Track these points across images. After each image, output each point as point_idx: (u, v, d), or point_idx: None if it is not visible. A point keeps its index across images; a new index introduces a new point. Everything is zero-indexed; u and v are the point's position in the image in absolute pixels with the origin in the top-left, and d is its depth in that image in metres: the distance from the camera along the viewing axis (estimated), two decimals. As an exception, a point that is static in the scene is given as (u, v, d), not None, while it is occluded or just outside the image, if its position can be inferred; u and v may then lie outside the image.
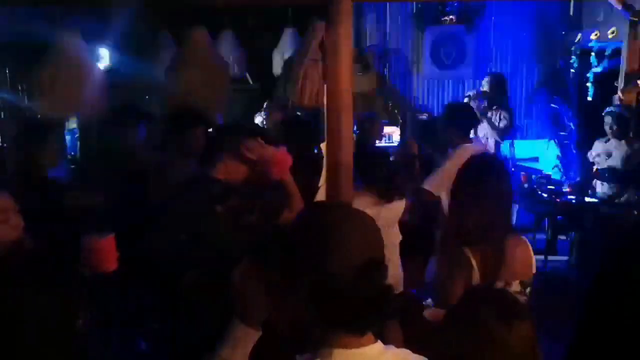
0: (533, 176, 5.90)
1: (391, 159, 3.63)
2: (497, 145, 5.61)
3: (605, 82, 5.96)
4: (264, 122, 5.40)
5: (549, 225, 5.74)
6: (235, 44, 5.61)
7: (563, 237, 5.77)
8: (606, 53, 6.01)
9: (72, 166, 5.30)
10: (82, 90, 3.60)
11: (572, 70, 6.66)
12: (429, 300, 2.18)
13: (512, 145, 6.23)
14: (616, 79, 5.60)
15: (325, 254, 1.08)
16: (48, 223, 2.60)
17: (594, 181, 5.07)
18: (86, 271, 1.92)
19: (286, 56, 4.39)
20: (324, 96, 2.39)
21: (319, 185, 3.30)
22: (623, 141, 4.84)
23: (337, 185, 2.36)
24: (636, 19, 5.27)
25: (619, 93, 5.37)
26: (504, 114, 5.48)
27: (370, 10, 6.89)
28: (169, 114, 3.64)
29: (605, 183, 4.93)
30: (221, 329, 1.27)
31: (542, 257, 5.36)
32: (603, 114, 4.98)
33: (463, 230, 2.03)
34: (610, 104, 5.32)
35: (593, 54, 6.17)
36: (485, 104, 5.46)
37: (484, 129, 5.49)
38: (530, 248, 2.14)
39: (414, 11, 6.94)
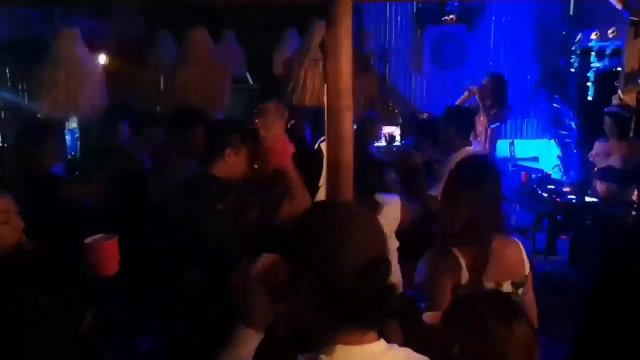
0: (533, 176, 5.89)
1: (391, 168, 3.63)
2: (494, 139, 5.57)
3: (606, 82, 5.96)
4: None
5: (549, 225, 5.74)
6: (235, 44, 5.61)
7: (563, 237, 5.77)
8: (606, 52, 6.01)
9: (72, 166, 5.31)
10: (81, 90, 3.61)
11: (572, 70, 6.66)
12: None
13: (512, 144, 6.23)
14: (616, 78, 5.60)
15: (330, 252, 1.09)
16: (49, 223, 2.61)
17: (594, 181, 5.06)
18: (88, 272, 1.92)
19: (286, 56, 4.39)
20: (324, 96, 2.39)
21: (319, 185, 3.30)
22: (623, 141, 4.84)
23: (337, 185, 2.36)
24: (636, 19, 5.27)
25: (619, 93, 5.37)
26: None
27: (370, 10, 6.89)
28: (169, 113, 3.65)
29: (605, 183, 4.93)
30: (221, 328, 1.27)
31: (542, 257, 5.36)
32: (603, 113, 4.98)
33: (452, 230, 2.04)
34: (610, 103, 5.31)
35: (593, 53, 6.17)
36: (489, 102, 5.46)
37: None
38: (522, 248, 2.13)
39: (414, 11, 6.94)
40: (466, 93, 5.62)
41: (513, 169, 6.13)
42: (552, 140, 6.91)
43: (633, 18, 5.27)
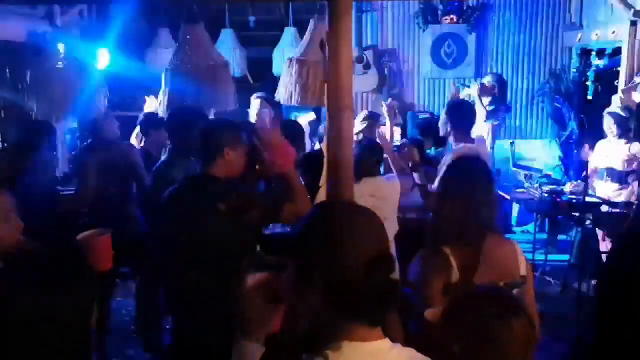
0: (533, 176, 5.89)
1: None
2: (493, 138, 5.57)
3: (606, 82, 5.96)
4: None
5: (549, 225, 5.74)
6: (235, 44, 5.62)
7: (563, 237, 5.77)
8: (606, 52, 6.01)
9: (71, 165, 5.32)
10: (79, 91, 3.60)
11: (572, 70, 6.66)
12: None
13: (512, 144, 6.24)
14: (617, 78, 5.60)
15: (334, 250, 1.13)
16: (49, 223, 2.61)
17: (594, 181, 5.06)
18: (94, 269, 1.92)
19: (286, 56, 4.38)
20: (324, 95, 2.38)
21: (319, 185, 3.30)
22: (623, 141, 4.84)
23: (337, 185, 2.35)
24: (636, 19, 5.27)
25: (619, 93, 5.37)
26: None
27: (370, 10, 6.88)
28: (169, 114, 3.64)
29: (605, 183, 4.93)
30: (222, 329, 1.27)
31: (542, 257, 5.36)
32: (603, 113, 4.98)
33: (443, 229, 2.04)
34: (610, 103, 5.32)
35: (593, 53, 6.17)
36: (487, 100, 5.46)
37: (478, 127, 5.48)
38: (518, 249, 2.10)
39: (414, 11, 6.93)
40: (465, 89, 5.62)
41: (513, 169, 6.14)
42: (553, 141, 6.91)
43: (633, 18, 5.28)
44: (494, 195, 2.15)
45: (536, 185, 5.31)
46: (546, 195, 4.95)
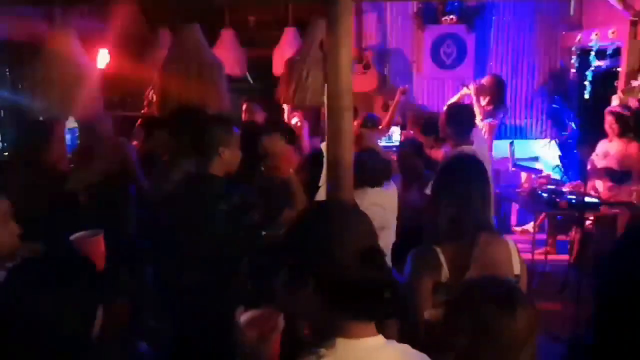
0: (533, 176, 5.89)
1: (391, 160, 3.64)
2: (492, 133, 5.56)
3: (606, 82, 5.96)
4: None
5: (549, 225, 5.74)
6: (235, 44, 5.60)
7: (563, 237, 5.77)
8: (606, 52, 6.01)
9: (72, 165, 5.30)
10: (79, 90, 3.60)
11: (572, 70, 6.66)
12: None
13: (512, 144, 6.24)
14: (616, 78, 5.60)
15: (326, 246, 1.16)
16: (49, 224, 2.61)
17: (594, 181, 5.06)
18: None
19: (286, 56, 4.38)
20: (324, 96, 2.39)
21: (319, 185, 3.31)
22: (622, 140, 4.84)
23: (337, 184, 2.36)
24: (636, 19, 5.27)
25: (619, 93, 5.37)
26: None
27: (370, 10, 6.88)
28: (169, 114, 3.64)
29: (604, 183, 4.93)
30: (221, 329, 1.28)
31: (542, 257, 5.36)
32: (603, 113, 4.98)
33: (436, 228, 2.04)
34: (610, 103, 5.32)
35: (593, 53, 6.17)
36: (485, 100, 5.46)
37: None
38: (513, 248, 2.09)
39: (414, 11, 6.94)
40: (464, 89, 5.63)
41: (513, 169, 6.13)
42: (553, 141, 6.91)
43: (633, 18, 5.28)
44: (488, 193, 2.15)
45: (536, 185, 5.32)
46: (546, 195, 4.95)
